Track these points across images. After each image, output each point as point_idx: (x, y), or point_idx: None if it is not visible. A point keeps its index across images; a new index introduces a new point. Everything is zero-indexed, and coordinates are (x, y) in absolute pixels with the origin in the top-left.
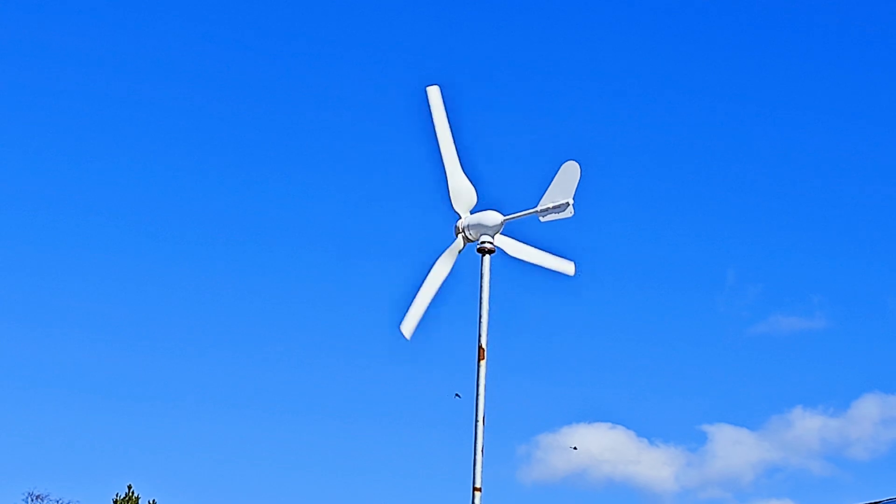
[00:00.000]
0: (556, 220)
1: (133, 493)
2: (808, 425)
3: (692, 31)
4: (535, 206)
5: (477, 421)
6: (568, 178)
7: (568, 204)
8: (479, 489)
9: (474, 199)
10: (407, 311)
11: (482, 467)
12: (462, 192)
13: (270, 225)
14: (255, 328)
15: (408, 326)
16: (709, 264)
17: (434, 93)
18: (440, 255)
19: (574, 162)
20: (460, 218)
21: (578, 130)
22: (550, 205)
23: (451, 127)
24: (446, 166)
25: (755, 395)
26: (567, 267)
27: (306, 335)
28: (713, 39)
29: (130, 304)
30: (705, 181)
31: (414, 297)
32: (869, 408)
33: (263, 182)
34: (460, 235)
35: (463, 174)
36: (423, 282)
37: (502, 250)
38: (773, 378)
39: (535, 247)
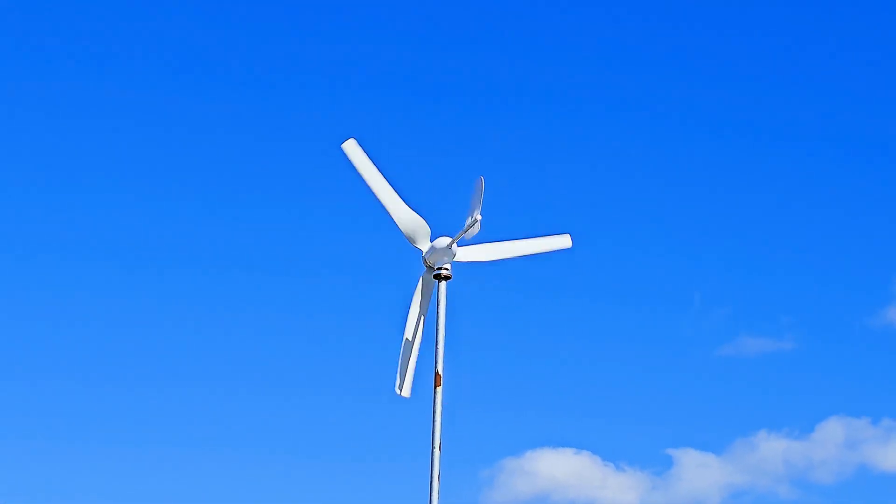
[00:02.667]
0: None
1: None
2: (772, 448)
3: (646, 43)
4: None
5: (433, 448)
6: (477, 193)
7: (476, 220)
8: None
9: (428, 229)
10: (397, 370)
11: (439, 494)
12: (414, 226)
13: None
14: (203, 357)
15: (406, 387)
16: (675, 286)
17: (351, 147)
18: (410, 305)
19: (482, 177)
20: (423, 251)
21: (536, 151)
22: (468, 223)
23: (381, 170)
24: (388, 208)
25: (720, 418)
26: (563, 242)
27: (254, 366)
28: (673, 51)
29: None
30: (671, 201)
31: (399, 353)
32: (833, 431)
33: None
34: (426, 269)
35: (408, 209)
36: (402, 337)
37: (479, 262)
38: (738, 401)
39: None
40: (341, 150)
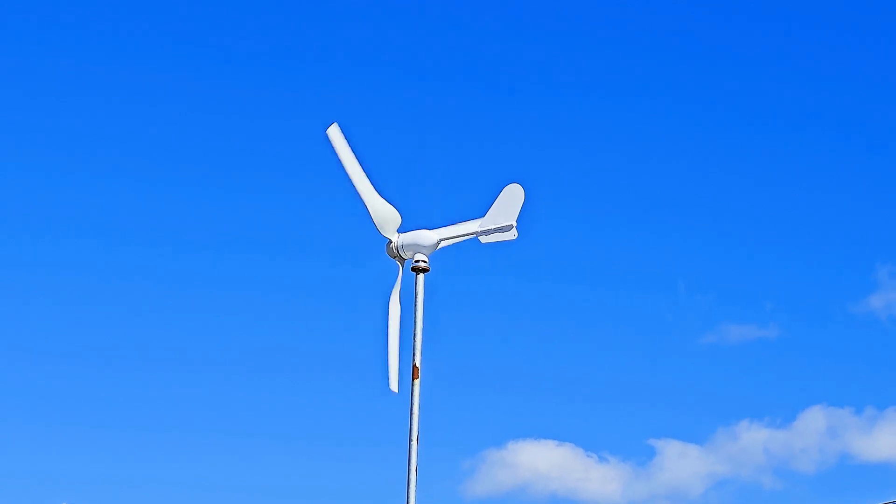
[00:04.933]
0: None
1: None
2: (753, 438)
3: (635, 44)
4: (476, 228)
5: (411, 440)
6: (511, 200)
7: (512, 226)
8: None
9: (398, 220)
10: (387, 366)
11: (416, 486)
12: (385, 215)
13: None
14: (190, 346)
15: (394, 381)
16: (658, 273)
17: (334, 131)
18: (389, 300)
19: (517, 184)
20: (389, 241)
21: (512, 143)
22: (492, 226)
23: (358, 159)
24: (363, 195)
25: (703, 407)
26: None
27: (230, 356)
28: (658, 49)
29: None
30: (653, 186)
31: (385, 348)
32: (815, 420)
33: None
34: (396, 259)
35: (381, 199)
36: (386, 331)
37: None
38: (720, 390)
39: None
40: (325, 136)
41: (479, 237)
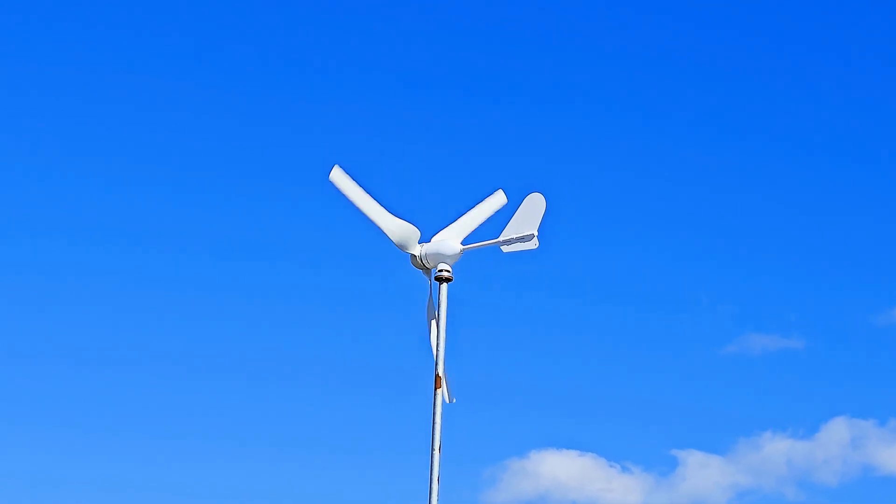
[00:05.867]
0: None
1: None
2: (776, 448)
3: (656, 47)
4: (497, 237)
5: (433, 449)
6: (533, 209)
7: (533, 235)
8: None
9: (417, 234)
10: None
11: (438, 496)
12: (402, 233)
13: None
14: (204, 353)
15: (448, 392)
16: (681, 284)
17: (337, 173)
18: (427, 319)
19: (539, 194)
20: (413, 256)
21: (538, 153)
22: (514, 235)
23: (364, 188)
24: (374, 220)
25: (725, 418)
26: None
27: (253, 365)
28: (679, 52)
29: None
30: (676, 197)
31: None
32: (839, 431)
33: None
34: (423, 271)
35: (393, 217)
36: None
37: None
38: (743, 401)
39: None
40: (328, 177)
41: (500, 246)
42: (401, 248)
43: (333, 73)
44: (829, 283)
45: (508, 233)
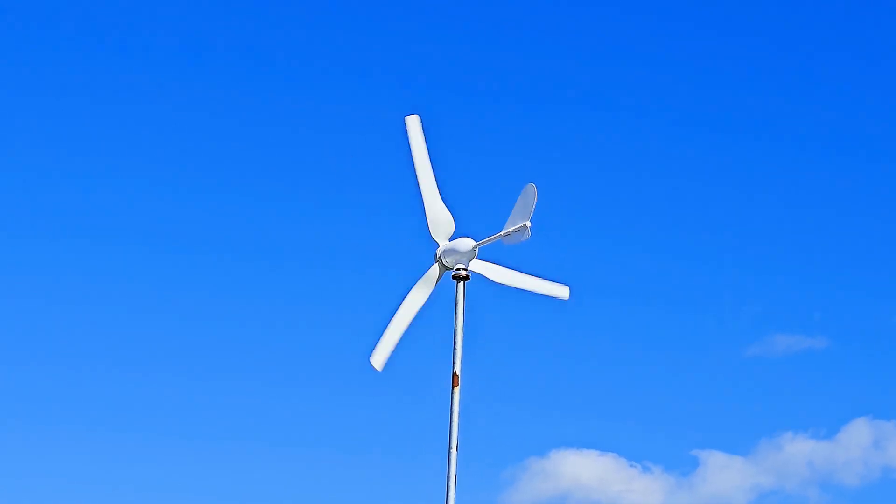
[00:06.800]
0: (551, 244)
1: None
2: (797, 450)
3: (667, 42)
4: (500, 231)
5: (450, 448)
6: (527, 200)
7: (526, 227)
8: None
9: (452, 227)
10: (378, 342)
11: (456, 494)
12: (440, 220)
13: (238, 245)
14: (215, 352)
15: (379, 358)
16: (705, 284)
17: (413, 122)
18: (414, 285)
19: (532, 184)
20: (439, 246)
21: (559, 152)
22: (511, 228)
23: (430, 156)
24: (424, 195)
25: (747, 418)
26: (561, 291)
27: (273, 363)
28: (690, 45)
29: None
30: (700, 198)
31: (386, 327)
32: (860, 432)
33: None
34: (437, 263)
35: (441, 202)
36: (395, 312)
37: (486, 278)
38: (765, 401)
39: (525, 271)
40: (403, 123)
41: (502, 241)
42: (432, 234)
43: (334, 72)
44: (852, 284)
45: (508, 225)
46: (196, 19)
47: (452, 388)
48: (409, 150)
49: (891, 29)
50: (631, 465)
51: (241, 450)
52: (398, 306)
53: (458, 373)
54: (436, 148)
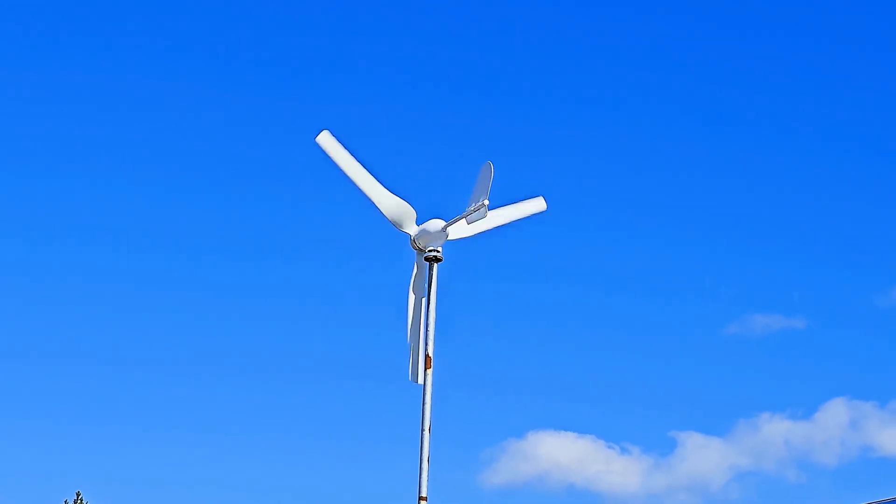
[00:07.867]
0: (532, 220)
1: (81, 499)
2: (774, 429)
3: (652, 33)
4: (464, 211)
5: (423, 430)
6: (484, 178)
7: (484, 205)
8: (425, 498)
9: (413, 213)
10: (409, 361)
11: (429, 476)
12: (397, 212)
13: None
14: (205, 346)
15: (418, 375)
16: (683, 265)
17: (326, 138)
18: (407, 292)
19: (489, 162)
20: (410, 236)
21: (547, 130)
22: (472, 208)
23: (358, 160)
24: (371, 197)
25: (725, 399)
26: (538, 205)
27: (247, 353)
28: (677, 40)
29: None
30: (678, 178)
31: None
32: (837, 413)
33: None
34: (417, 253)
35: (392, 196)
36: (407, 322)
37: (466, 238)
38: (743, 381)
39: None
40: (316, 143)
41: (465, 220)
42: (397, 227)
43: (335, 73)
44: (831, 264)
45: (469, 205)
46: (196, 19)
47: (425, 370)
48: (338, 167)
49: (884, 27)
50: (609, 447)
51: (216, 439)
52: (399, 311)
53: (430, 355)
54: (436, 147)
